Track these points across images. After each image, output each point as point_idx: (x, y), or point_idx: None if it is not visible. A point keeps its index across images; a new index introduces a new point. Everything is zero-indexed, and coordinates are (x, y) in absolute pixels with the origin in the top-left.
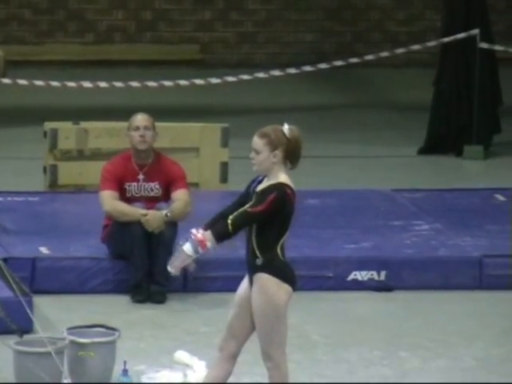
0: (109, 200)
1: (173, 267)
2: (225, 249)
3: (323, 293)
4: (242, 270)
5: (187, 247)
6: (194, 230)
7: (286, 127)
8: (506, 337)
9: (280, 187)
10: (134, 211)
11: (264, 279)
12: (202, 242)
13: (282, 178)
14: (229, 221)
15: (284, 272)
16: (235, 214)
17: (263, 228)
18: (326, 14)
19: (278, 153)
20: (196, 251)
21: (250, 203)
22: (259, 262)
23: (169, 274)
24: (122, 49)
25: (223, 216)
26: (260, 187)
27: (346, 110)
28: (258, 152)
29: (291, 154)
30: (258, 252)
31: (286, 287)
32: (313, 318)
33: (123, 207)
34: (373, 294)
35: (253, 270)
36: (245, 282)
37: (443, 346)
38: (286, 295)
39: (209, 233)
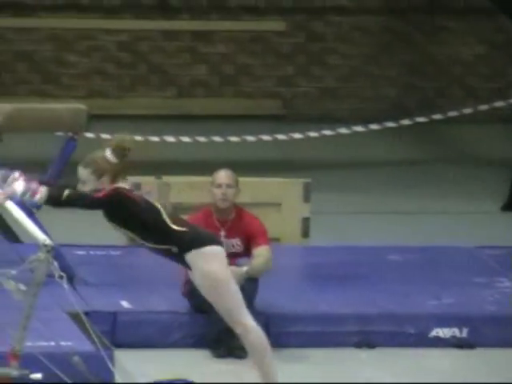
0: None
1: None
2: (305, 304)
3: (404, 349)
4: (323, 326)
5: (18, 185)
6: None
7: (108, 153)
8: None
9: (115, 187)
10: None
11: (190, 258)
12: (35, 191)
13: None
14: (66, 191)
15: (195, 240)
16: (75, 190)
17: (134, 227)
18: (407, 70)
19: (106, 179)
20: (23, 194)
21: None
22: (174, 250)
23: None
24: (204, 103)
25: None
26: None
27: (427, 166)
28: (83, 182)
29: (120, 173)
30: (161, 246)
31: (207, 250)
32: (393, 375)
33: None
34: (454, 351)
35: (180, 260)
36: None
37: None
38: (212, 259)
39: (46, 189)
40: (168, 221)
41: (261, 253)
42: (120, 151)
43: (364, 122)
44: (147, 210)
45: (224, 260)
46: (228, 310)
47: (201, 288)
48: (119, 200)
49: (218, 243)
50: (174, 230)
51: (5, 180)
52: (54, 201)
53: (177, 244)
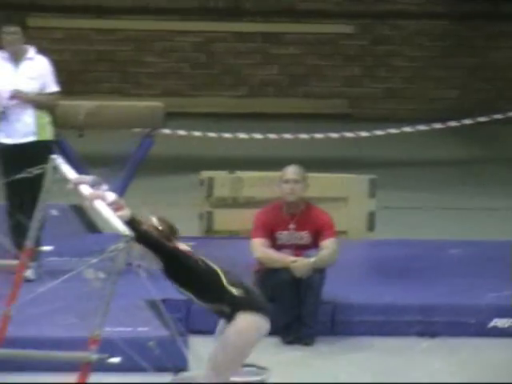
0: (260, 247)
1: (75, 180)
2: (370, 295)
3: (463, 339)
4: (387, 315)
5: (110, 195)
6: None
7: (154, 221)
8: None
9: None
10: (284, 258)
11: (238, 315)
12: (120, 207)
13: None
14: (144, 229)
15: (250, 305)
16: (151, 233)
17: (191, 286)
18: (468, 72)
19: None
20: (110, 204)
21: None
22: (226, 310)
23: (317, 318)
24: (274, 102)
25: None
26: None
27: (488, 164)
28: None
29: (170, 237)
30: (214, 305)
31: (256, 318)
32: (453, 364)
33: (273, 254)
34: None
35: (227, 318)
36: None
37: None
38: (255, 328)
39: (130, 212)
40: (225, 283)
41: (328, 245)
42: (162, 219)
43: (427, 122)
44: (206, 272)
45: (262, 335)
46: (222, 367)
47: (225, 339)
48: (182, 257)
49: (268, 314)
50: (230, 292)
51: (95, 185)
52: (132, 226)
53: (231, 305)
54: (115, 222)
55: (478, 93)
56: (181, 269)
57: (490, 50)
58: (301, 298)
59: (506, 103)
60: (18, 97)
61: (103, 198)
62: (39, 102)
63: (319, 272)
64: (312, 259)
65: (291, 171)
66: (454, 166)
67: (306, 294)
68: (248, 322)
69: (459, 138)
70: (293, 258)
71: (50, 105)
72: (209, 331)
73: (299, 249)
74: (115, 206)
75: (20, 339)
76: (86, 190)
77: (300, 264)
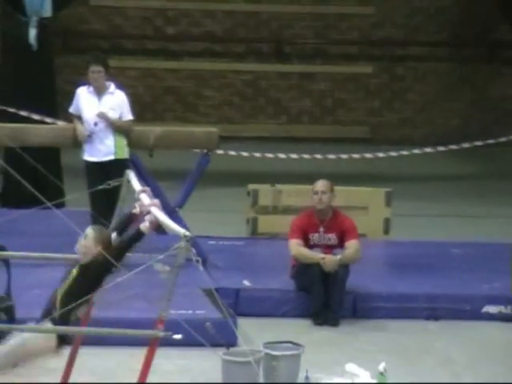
0: (295, 246)
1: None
2: (386, 286)
3: (461, 322)
4: (400, 302)
5: (158, 213)
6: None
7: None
8: None
9: None
10: (315, 255)
11: None
12: (154, 223)
13: None
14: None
15: None
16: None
17: None
18: (469, 104)
19: None
20: (149, 220)
21: None
22: None
23: (342, 305)
24: (308, 128)
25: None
26: None
27: (483, 180)
28: None
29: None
30: None
31: None
32: (454, 342)
33: (306, 252)
34: (501, 324)
35: None
36: None
37: None
38: None
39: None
40: None
41: (352, 245)
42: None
43: (434, 145)
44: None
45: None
46: None
47: None
48: None
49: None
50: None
51: (151, 195)
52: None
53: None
54: (174, 225)
55: (476, 122)
56: None
57: (487, 86)
58: (328, 288)
59: (499, 130)
60: (103, 118)
61: (158, 205)
62: (118, 126)
63: (344, 267)
64: (338, 257)
65: (320, 184)
66: (456, 180)
67: (332, 285)
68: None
69: (460, 158)
70: (322, 256)
71: (126, 129)
72: (254, 314)
73: (328, 248)
74: (152, 223)
75: (102, 320)
76: (145, 198)
77: (328, 261)
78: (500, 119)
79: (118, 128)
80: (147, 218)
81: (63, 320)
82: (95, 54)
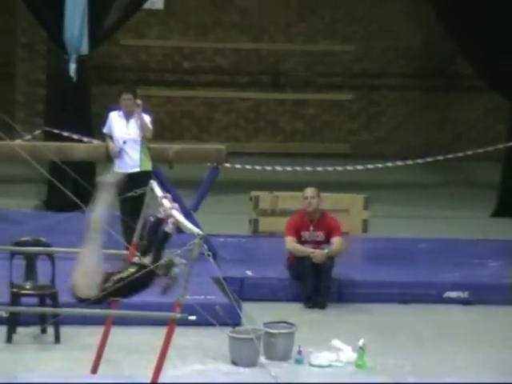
0: (290, 242)
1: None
2: (365, 274)
3: (427, 305)
4: (377, 288)
5: (177, 215)
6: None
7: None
8: None
9: None
10: (306, 250)
11: None
12: (175, 224)
13: None
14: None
15: None
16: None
17: None
18: (433, 125)
19: None
20: (172, 222)
21: None
22: None
23: (329, 290)
24: (301, 146)
25: None
26: None
27: (444, 187)
28: None
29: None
30: None
31: None
32: (422, 322)
33: (299, 247)
34: (459, 306)
35: None
36: None
37: (505, 340)
38: None
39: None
40: None
41: (336, 241)
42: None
43: (403, 159)
44: None
45: None
46: None
47: None
48: None
49: None
50: None
51: (171, 200)
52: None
53: None
54: (190, 225)
55: (438, 140)
56: None
57: (446, 111)
58: (317, 277)
59: (457, 147)
60: (139, 116)
61: (176, 209)
62: (144, 123)
63: (330, 259)
64: (326, 251)
65: (309, 191)
66: (422, 188)
67: (321, 274)
68: None
69: (425, 170)
70: (312, 250)
71: (149, 128)
72: (255, 299)
73: (317, 243)
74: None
75: (130, 303)
76: (167, 203)
77: (317, 254)
78: (457, 138)
79: (144, 124)
80: (170, 220)
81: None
82: (127, 85)
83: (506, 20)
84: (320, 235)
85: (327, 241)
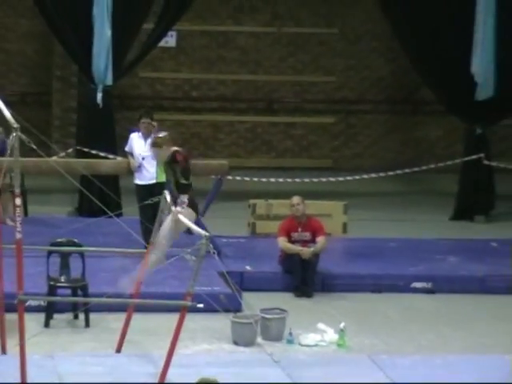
0: (282, 242)
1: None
2: (344, 268)
3: (396, 294)
4: (354, 280)
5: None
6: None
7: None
8: None
9: None
10: (296, 248)
11: None
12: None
13: None
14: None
15: None
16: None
17: None
18: (401, 143)
19: None
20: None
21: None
22: None
23: (314, 282)
24: (291, 161)
25: None
26: None
27: (413, 195)
28: None
29: None
30: None
31: None
32: (392, 308)
33: (289, 246)
34: (424, 295)
35: None
36: None
37: (461, 323)
38: None
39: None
40: None
41: (321, 240)
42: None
43: (377, 172)
44: None
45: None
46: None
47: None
48: None
49: None
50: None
51: (181, 203)
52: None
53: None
54: (197, 228)
55: (406, 155)
56: None
57: (413, 131)
58: (305, 270)
59: (422, 161)
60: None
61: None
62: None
63: (316, 256)
64: (312, 249)
65: (295, 199)
66: (392, 196)
67: (308, 268)
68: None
69: (395, 181)
70: (300, 248)
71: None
72: (253, 289)
73: (304, 243)
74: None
75: (147, 293)
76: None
77: (305, 251)
78: (422, 154)
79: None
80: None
81: None
82: (145, 111)
83: (460, 56)
84: (307, 235)
85: (313, 240)
